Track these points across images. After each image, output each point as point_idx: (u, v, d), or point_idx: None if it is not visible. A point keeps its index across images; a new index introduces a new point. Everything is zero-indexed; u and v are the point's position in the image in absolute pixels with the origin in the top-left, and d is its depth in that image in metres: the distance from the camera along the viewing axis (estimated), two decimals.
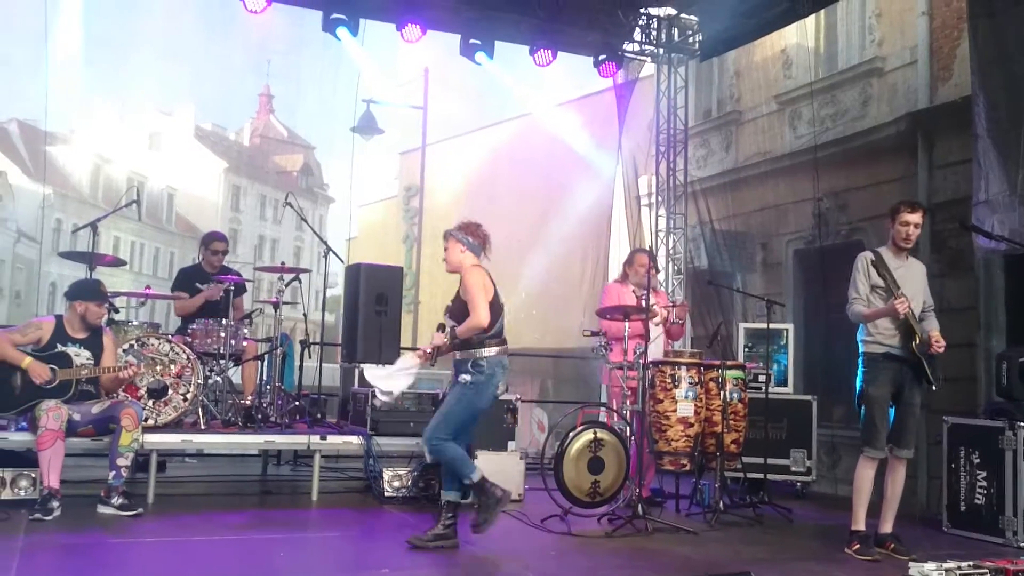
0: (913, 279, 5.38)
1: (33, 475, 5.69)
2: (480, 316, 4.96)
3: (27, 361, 5.63)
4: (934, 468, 7.20)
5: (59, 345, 5.79)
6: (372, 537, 5.70)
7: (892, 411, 5.30)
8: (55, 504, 5.33)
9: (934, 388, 5.27)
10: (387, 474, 6.62)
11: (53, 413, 5.47)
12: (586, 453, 5.93)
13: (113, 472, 5.60)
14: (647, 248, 8.53)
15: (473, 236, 5.19)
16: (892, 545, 5.24)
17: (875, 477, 5.33)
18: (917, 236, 5.35)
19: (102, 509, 5.53)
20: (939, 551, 5.22)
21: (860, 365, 5.34)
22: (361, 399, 7.15)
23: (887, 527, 5.33)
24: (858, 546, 5.19)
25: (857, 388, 5.35)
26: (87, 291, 5.95)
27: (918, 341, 5.17)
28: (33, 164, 30.54)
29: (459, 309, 5.08)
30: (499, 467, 6.67)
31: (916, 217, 5.28)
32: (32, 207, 29.17)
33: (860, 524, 5.28)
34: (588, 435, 5.97)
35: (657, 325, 6.80)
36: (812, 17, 9.31)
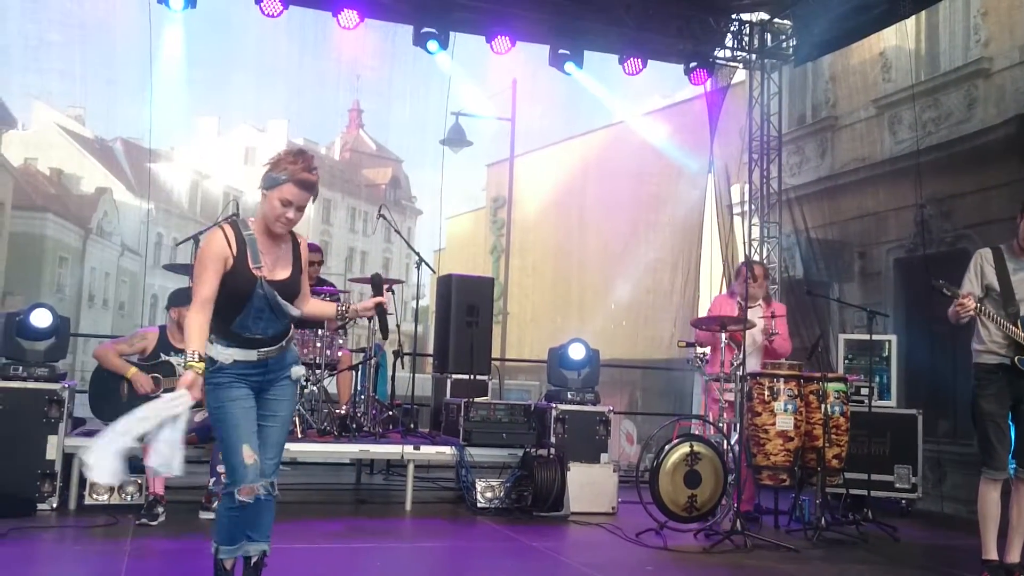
0: None
1: (139, 481, 5.88)
2: None
3: (131, 371, 5.84)
4: None
5: (163, 355, 5.99)
6: (467, 548, 5.69)
7: (1013, 426, 4.89)
8: (160, 510, 5.50)
9: None
10: (479, 485, 6.62)
11: None
12: (682, 466, 5.82)
13: (214, 479, 5.72)
14: (750, 259, 8.38)
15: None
16: None
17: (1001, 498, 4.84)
18: None
19: (204, 515, 5.67)
20: None
21: (973, 376, 4.97)
22: (453, 409, 7.18)
23: (1014, 556, 4.86)
24: None
25: (971, 401, 4.96)
26: (183, 298, 6.12)
27: None
28: (136, 181, 31.75)
29: (297, 283, 3.61)
30: (592, 479, 6.64)
31: None
32: (135, 222, 30.32)
33: (991, 553, 4.84)
34: (684, 448, 5.86)
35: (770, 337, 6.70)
36: (912, 18, 9.02)
